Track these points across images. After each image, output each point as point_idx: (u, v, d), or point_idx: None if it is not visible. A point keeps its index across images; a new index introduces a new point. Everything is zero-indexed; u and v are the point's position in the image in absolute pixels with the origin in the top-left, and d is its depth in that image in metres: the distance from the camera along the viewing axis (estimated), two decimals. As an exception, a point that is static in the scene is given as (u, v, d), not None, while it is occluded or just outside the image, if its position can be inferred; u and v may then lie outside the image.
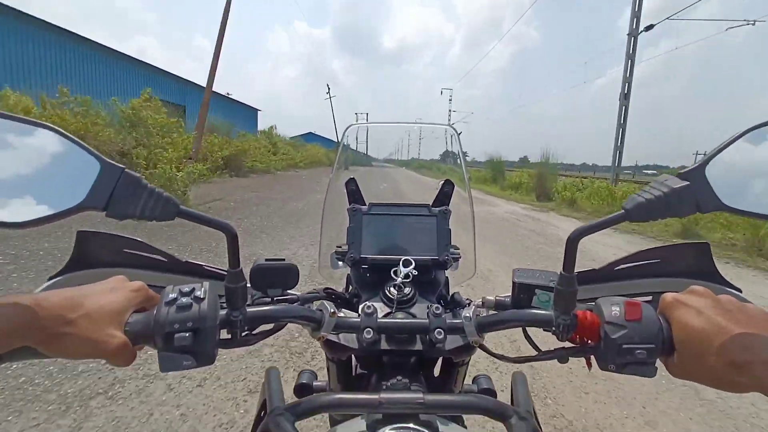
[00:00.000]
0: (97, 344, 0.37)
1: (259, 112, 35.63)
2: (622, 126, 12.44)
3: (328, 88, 44.09)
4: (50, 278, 0.52)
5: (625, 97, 12.29)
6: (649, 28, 12.47)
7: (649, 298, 0.56)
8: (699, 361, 0.37)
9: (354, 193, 0.77)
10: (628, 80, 12.23)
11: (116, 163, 0.37)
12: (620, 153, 12.75)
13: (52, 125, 0.36)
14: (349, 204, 0.75)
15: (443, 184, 0.76)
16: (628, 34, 12.25)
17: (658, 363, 0.41)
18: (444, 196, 0.76)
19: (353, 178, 0.77)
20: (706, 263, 0.55)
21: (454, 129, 0.84)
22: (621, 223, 0.40)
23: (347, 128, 0.84)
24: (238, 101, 31.42)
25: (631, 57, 12.10)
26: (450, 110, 52.84)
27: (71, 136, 0.36)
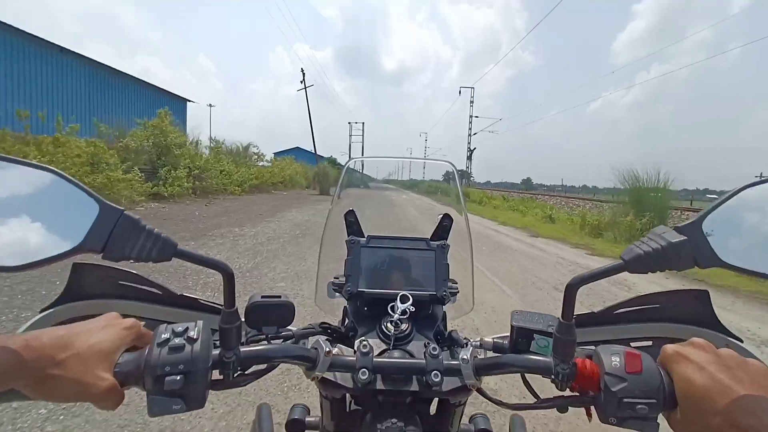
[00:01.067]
0: (85, 387, 0.36)
1: (189, 104, 25.91)
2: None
3: (303, 76, 30.31)
4: (42, 310, 0.52)
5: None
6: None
7: (649, 343, 0.55)
8: (702, 419, 0.36)
9: (353, 224, 0.77)
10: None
11: (116, 206, 0.37)
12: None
13: (53, 168, 0.36)
14: (348, 236, 0.75)
15: (442, 218, 0.76)
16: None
17: (661, 418, 0.40)
18: (443, 230, 0.76)
19: (352, 210, 0.78)
20: (706, 311, 0.54)
21: (453, 165, 0.85)
22: (620, 273, 0.40)
23: (347, 163, 0.85)
24: (162, 89, 23.70)
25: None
26: (472, 115, 43.66)
27: (72, 178, 0.37)
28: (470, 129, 43.56)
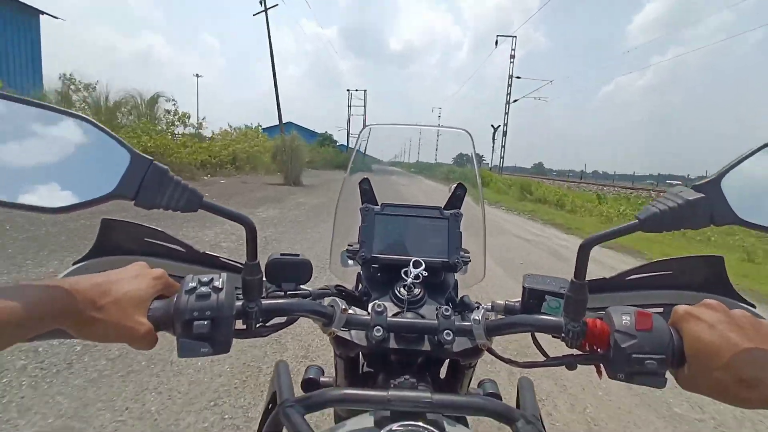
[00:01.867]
0: (125, 330, 0.39)
1: (42, 16, 14.32)
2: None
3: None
4: (75, 263, 0.54)
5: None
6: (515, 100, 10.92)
7: (660, 309, 0.56)
8: (709, 374, 0.37)
9: (367, 192, 0.78)
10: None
11: (145, 155, 0.39)
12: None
13: (85, 116, 0.38)
14: (362, 204, 0.76)
15: (456, 187, 0.77)
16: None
17: (668, 375, 0.41)
18: (456, 200, 0.77)
19: (367, 178, 0.78)
20: (720, 277, 0.54)
21: (469, 133, 0.85)
22: (634, 232, 0.40)
23: (362, 129, 0.85)
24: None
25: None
26: (512, 76, 27.58)
27: (103, 127, 0.38)
28: (509, 95, 26.54)
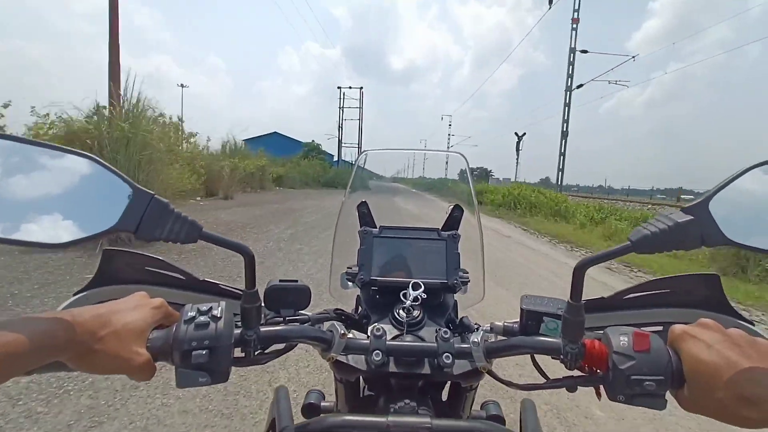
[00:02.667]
0: (123, 361, 0.39)
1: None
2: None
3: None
4: (75, 293, 0.55)
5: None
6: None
7: (659, 328, 0.56)
8: (709, 394, 0.37)
9: (365, 215, 0.79)
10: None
11: (147, 190, 0.40)
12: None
13: (89, 154, 0.39)
14: (360, 226, 0.77)
15: (452, 208, 0.78)
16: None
17: (668, 396, 0.41)
18: (453, 221, 0.78)
19: (365, 201, 0.80)
20: (717, 295, 0.54)
21: (464, 156, 0.87)
22: (627, 254, 0.41)
23: (361, 154, 0.87)
24: None
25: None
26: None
27: (106, 163, 0.40)
28: (570, 77, 19.46)
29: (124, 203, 0.39)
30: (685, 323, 0.42)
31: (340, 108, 36.72)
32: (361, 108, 37.12)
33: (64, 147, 0.38)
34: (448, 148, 35.89)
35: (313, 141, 38.15)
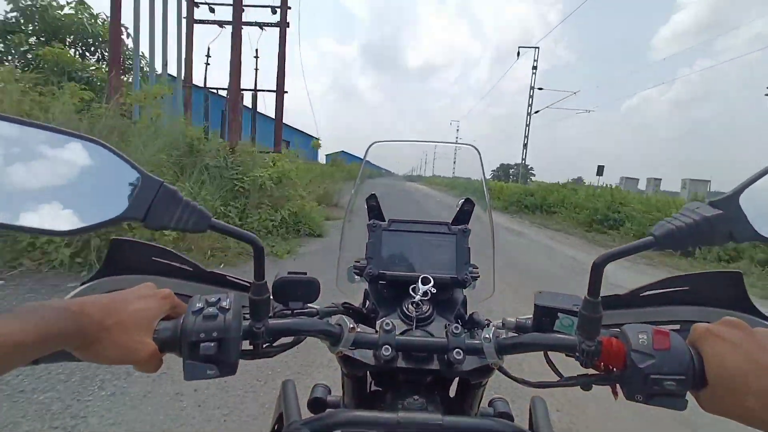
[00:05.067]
0: (129, 351, 0.38)
1: None
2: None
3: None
4: (83, 283, 0.55)
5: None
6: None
7: (677, 327, 0.54)
8: (735, 398, 0.35)
9: (374, 209, 0.77)
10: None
11: (155, 177, 0.39)
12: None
13: (98, 139, 0.38)
14: (369, 219, 0.75)
15: (463, 202, 0.76)
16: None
17: (689, 396, 0.39)
18: (464, 215, 0.76)
19: (374, 194, 0.78)
20: (739, 293, 0.53)
21: (477, 149, 0.85)
22: (649, 249, 0.39)
23: (371, 145, 0.85)
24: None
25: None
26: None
27: (115, 149, 0.39)
28: (530, 107, 26.47)
29: (132, 190, 0.38)
30: (706, 321, 0.40)
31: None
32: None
33: (72, 131, 0.37)
34: (530, 109, 30.64)
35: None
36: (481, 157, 0.84)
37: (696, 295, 0.55)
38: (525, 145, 27.72)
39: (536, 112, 27.17)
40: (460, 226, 0.73)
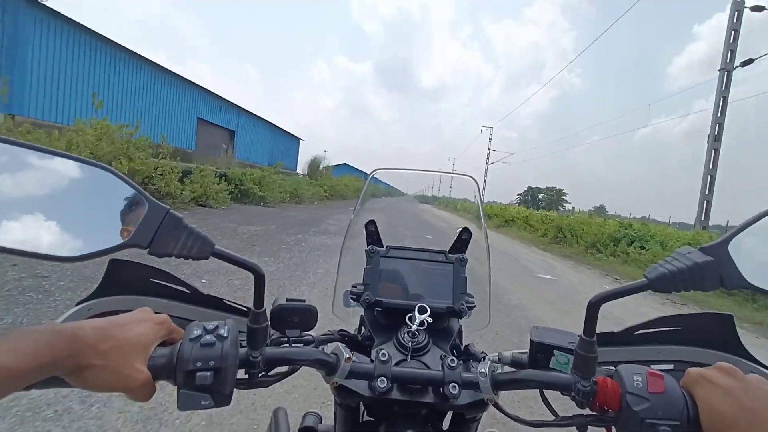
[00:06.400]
0: (123, 378, 0.38)
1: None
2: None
3: None
4: (78, 303, 0.54)
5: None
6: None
7: (671, 366, 0.55)
8: None
9: (373, 234, 0.78)
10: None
11: (162, 204, 0.40)
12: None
13: (106, 165, 0.39)
14: (368, 245, 0.76)
15: (461, 231, 0.77)
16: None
17: None
18: (461, 244, 0.77)
19: (373, 219, 0.79)
20: (730, 336, 0.54)
21: (475, 179, 0.87)
22: (643, 291, 0.40)
23: (372, 172, 0.86)
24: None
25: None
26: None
27: (123, 175, 0.39)
28: (488, 160, 42.43)
29: (137, 217, 0.39)
30: (698, 362, 0.41)
31: None
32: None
33: (80, 157, 0.38)
34: (488, 163, 41.98)
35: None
36: (478, 187, 0.86)
37: (688, 336, 0.56)
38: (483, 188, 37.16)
39: (492, 162, 41.22)
40: (457, 255, 0.74)
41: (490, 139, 42.94)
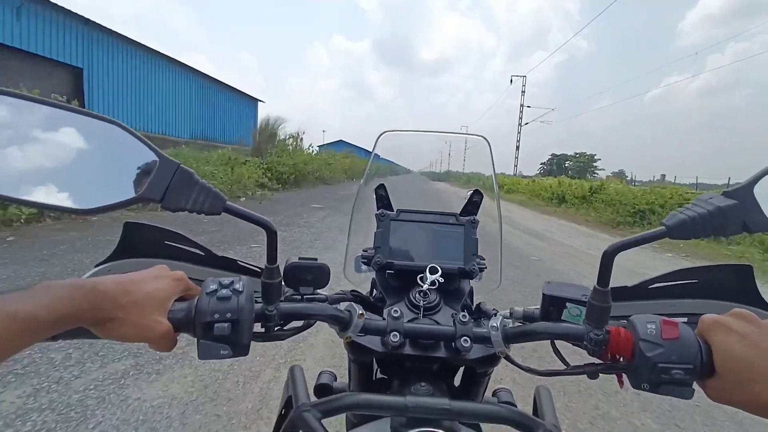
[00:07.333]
0: (144, 329, 0.39)
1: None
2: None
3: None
4: (96, 265, 0.55)
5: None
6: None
7: (685, 319, 0.54)
8: (741, 387, 0.36)
9: (383, 198, 0.78)
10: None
11: (173, 159, 0.40)
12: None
13: (117, 121, 0.39)
14: (378, 209, 0.76)
15: (472, 193, 0.76)
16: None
17: (695, 385, 0.40)
18: (472, 206, 0.76)
19: (383, 183, 0.79)
20: (748, 287, 0.53)
21: (487, 140, 0.85)
22: (662, 239, 0.40)
23: (380, 135, 0.85)
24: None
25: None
26: (523, 105, 33.68)
27: (134, 131, 0.39)
28: (521, 119, 34.30)
29: (149, 171, 0.39)
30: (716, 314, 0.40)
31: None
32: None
33: (90, 111, 0.38)
34: (520, 123, 34.63)
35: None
36: (491, 149, 0.84)
37: (705, 288, 0.55)
38: (517, 147, 33.25)
39: (526, 123, 34.32)
40: (468, 217, 0.73)
41: (523, 92, 34.14)
